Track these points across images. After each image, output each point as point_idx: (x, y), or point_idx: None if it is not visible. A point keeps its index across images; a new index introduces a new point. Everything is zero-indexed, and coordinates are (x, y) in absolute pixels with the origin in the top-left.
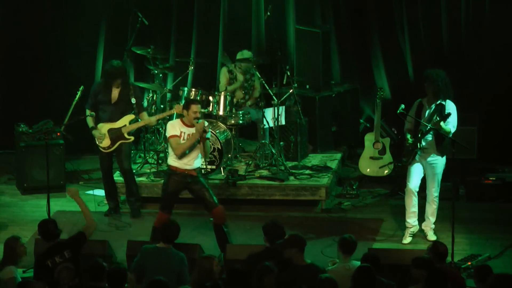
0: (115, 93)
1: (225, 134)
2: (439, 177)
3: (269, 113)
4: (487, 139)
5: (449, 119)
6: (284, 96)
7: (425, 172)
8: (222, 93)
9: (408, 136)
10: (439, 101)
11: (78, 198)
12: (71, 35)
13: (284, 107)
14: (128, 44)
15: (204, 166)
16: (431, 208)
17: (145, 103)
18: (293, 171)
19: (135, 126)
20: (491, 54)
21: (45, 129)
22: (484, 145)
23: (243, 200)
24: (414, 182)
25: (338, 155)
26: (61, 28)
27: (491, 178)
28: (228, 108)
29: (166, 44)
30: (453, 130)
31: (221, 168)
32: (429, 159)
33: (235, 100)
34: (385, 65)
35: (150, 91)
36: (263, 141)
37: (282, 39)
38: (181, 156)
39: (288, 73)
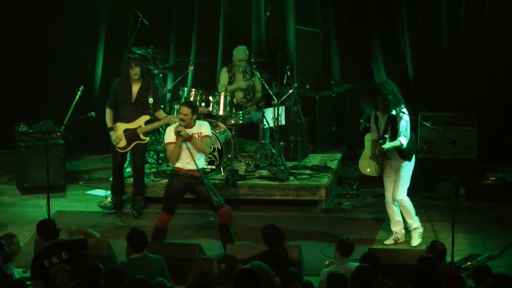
0: (135, 91)
1: (225, 134)
2: (403, 179)
3: (269, 113)
4: (487, 139)
5: (399, 130)
6: (284, 96)
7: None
8: (222, 93)
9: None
10: (390, 113)
11: (78, 233)
12: (71, 35)
13: (284, 107)
14: (128, 44)
15: (206, 167)
16: (405, 212)
17: None
18: (293, 171)
19: (150, 127)
20: (491, 54)
21: (45, 129)
22: (484, 145)
23: (243, 200)
24: (390, 193)
25: (338, 155)
26: (61, 28)
27: (491, 178)
28: (228, 108)
29: (166, 44)
30: (405, 140)
31: (221, 168)
32: (396, 164)
33: (235, 100)
34: (385, 65)
35: None
36: (263, 141)
37: (282, 39)
38: (175, 162)
39: (288, 73)
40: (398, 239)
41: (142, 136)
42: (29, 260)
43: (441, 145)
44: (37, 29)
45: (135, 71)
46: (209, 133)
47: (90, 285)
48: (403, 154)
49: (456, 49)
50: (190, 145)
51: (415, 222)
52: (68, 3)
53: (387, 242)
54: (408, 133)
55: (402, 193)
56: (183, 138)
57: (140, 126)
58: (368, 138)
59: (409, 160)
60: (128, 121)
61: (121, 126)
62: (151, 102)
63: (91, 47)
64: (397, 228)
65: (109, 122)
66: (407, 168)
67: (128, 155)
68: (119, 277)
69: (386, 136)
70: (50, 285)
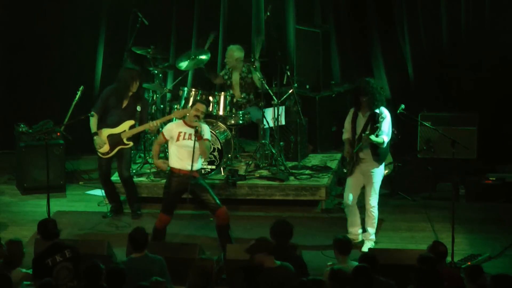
0: (126, 98)
1: (225, 134)
2: (376, 186)
3: (269, 113)
4: (487, 139)
5: (382, 129)
6: (284, 96)
7: (364, 182)
8: (222, 93)
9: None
10: (374, 111)
11: None
12: (71, 35)
13: (284, 107)
14: (128, 44)
15: (206, 167)
16: (370, 219)
17: None
18: (293, 171)
19: (134, 131)
20: (491, 53)
21: (45, 129)
22: (484, 145)
23: (243, 200)
24: (350, 197)
25: (338, 155)
26: (61, 28)
27: (491, 178)
28: (228, 108)
29: (166, 44)
30: (386, 139)
31: (221, 168)
32: (367, 169)
33: (234, 99)
34: (385, 65)
35: (150, 91)
36: (263, 141)
37: (282, 39)
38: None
39: (288, 73)
40: (356, 239)
41: (125, 141)
42: (29, 261)
43: (441, 145)
44: (37, 29)
45: (138, 85)
46: (209, 136)
47: (91, 285)
48: (377, 156)
49: (456, 49)
50: (198, 145)
51: (373, 234)
52: (68, 3)
53: (364, 248)
54: (390, 134)
55: (376, 200)
56: (195, 136)
57: (124, 130)
58: None
59: (381, 163)
60: (114, 126)
61: (105, 132)
62: (139, 110)
63: (91, 47)
64: (354, 229)
65: (93, 127)
66: (379, 173)
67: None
68: (121, 276)
69: (377, 125)
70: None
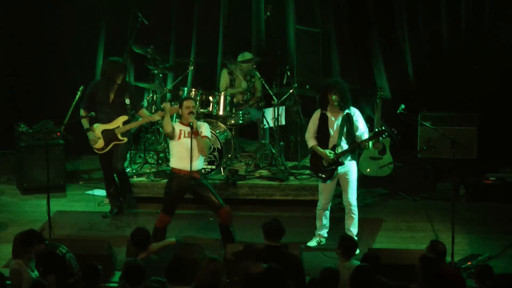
0: (112, 92)
1: (225, 134)
2: (355, 184)
3: (269, 113)
4: (487, 139)
5: (362, 127)
6: (284, 96)
7: (339, 183)
8: (222, 93)
9: (327, 151)
10: (346, 112)
11: None
12: (71, 35)
13: (284, 107)
14: (128, 44)
15: (206, 167)
16: (351, 219)
17: (145, 103)
18: (293, 171)
19: (128, 127)
20: (491, 54)
21: (45, 129)
22: (484, 145)
23: (243, 200)
24: (325, 201)
25: None
26: (61, 28)
27: (491, 178)
28: (228, 108)
29: (166, 44)
30: (367, 136)
31: (221, 168)
32: (343, 169)
33: (235, 100)
34: (385, 65)
35: (150, 91)
36: (263, 141)
37: (282, 39)
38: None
39: (288, 73)
40: (321, 242)
41: (120, 136)
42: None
43: (441, 145)
44: (37, 29)
45: (122, 77)
46: (208, 134)
47: (89, 286)
48: (354, 155)
49: (456, 49)
50: (195, 142)
51: (356, 233)
52: (68, 3)
53: (310, 244)
54: (367, 129)
55: (356, 198)
56: (192, 132)
57: (118, 126)
58: None
59: (356, 160)
60: (106, 122)
61: (99, 127)
62: (128, 103)
63: (91, 47)
64: (323, 231)
65: (86, 123)
66: (354, 171)
67: None
68: (141, 272)
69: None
70: (65, 274)
